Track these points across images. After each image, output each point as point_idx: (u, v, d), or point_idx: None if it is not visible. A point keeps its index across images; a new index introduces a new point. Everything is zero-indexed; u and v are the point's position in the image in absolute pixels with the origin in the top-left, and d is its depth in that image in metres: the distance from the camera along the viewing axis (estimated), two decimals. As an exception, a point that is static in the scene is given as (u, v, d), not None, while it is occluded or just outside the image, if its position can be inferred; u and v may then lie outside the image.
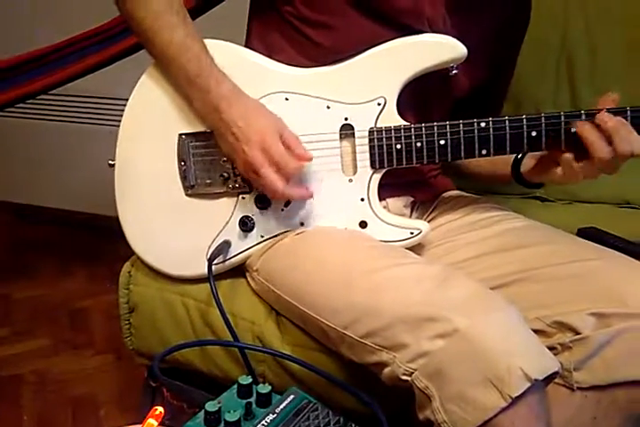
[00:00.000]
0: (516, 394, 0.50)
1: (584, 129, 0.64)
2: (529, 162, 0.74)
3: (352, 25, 0.72)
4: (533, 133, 0.67)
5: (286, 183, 0.67)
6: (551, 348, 0.59)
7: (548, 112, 0.67)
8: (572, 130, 0.65)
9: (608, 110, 0.64)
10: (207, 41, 0.72)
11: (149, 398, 0.87)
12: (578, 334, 0.59)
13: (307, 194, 0.71)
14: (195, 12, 0.94)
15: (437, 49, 0.70)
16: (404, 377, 0.55)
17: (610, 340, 0.57)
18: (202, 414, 0.48)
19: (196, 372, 0.81)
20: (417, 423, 0.57)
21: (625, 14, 1.05)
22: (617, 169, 0.65)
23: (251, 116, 0.67)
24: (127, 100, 0.77)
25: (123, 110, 0.77)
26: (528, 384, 0.50)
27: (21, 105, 1.32)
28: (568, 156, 0.65)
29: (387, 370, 0.58)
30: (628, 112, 0.65)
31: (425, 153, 0.70)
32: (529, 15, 0.82)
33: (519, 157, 0.76)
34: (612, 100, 0.65)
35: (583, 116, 0.65)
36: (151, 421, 0.44)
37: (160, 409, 0.44)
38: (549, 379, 0.54)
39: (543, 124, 0.66)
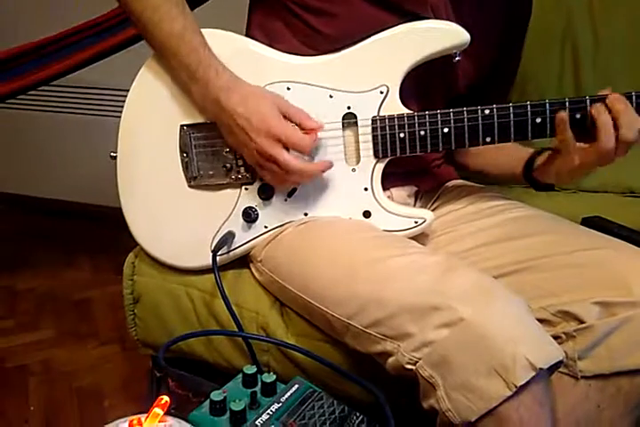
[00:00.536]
0: (521, 383, 0.50)
1: (598, 111, 0.63)
2: (541, 159, 0.74)
3: (354, 12, 0.71)
4: (538, 120, 0.66)
5: (302, 161, 0.67)
6: (555, 337, 0.59)
7: (553, 99, 0.66)
8: (577, 115, 0.65)
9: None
10: (207, 31, 0.71)
11: (155, 387, 0.88)
12: (582, 323, 0.58)
13: (326, 165, 0.69)
14: (194, 2, 0.93)
15: (440, 35, 0.69)
16: (409, 366, 0.56)
17: (614, 329, 0.57)
18: (207, 403, 0.49)
19: (200, 362, 0.82)
20: (421, 412, 0.57)
21: (628, 0, 1.03)
22: (611, 159, 0.64)
23: (250, 101, 0.67)
24: (128, 91, 0.76)
25: (124, 101, 0.77)
26: (533, 373, 0.50)
27: (22, 96, 1.31)
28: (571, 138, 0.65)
29: (391, 359, 0.58)
30: (634, 97, 0.64)
31: (429, 141, 0.69)
32: (531, 3, 0.81)
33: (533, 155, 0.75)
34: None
35: (588, 102, 0.65)
36: (157, 410, 0.44)
37: (166, 398, 0.45)
38: (554, 368, 0.53)
39: (548, 111, 0.66)
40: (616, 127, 0.62)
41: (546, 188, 0.76)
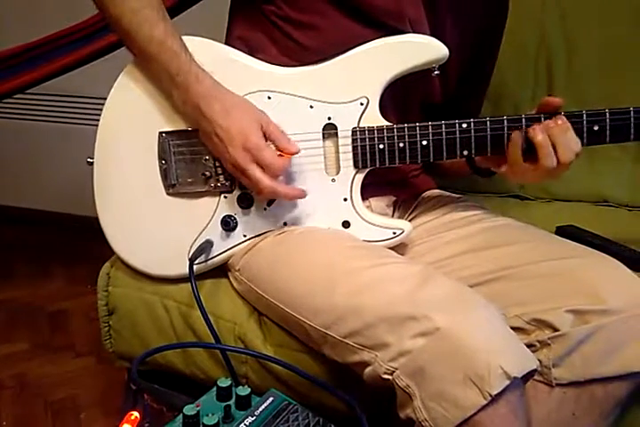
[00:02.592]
0: (496, 392, 0.50)
1: (536, 133, 0.64)
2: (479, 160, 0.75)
3: (334, 25, 0.72)
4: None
5: (274, 181, 0.66)
6: (530, 345, 0.60)
7: (529, 113, 0.68)
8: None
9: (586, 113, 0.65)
10: (188, 38, 0.71)
11: (130, 401, 0.86)
12: (556, 331, 0.59)
13: (297, 193, 0.69)
14: (172, 11, 0.93)
15: (419, 49, 0.70)
16: (386, 376, 0.56)
17: (588, 336, 0.58)
18: (180, 417, 0.48)
19: (177, 373, 0.80)
20: (398, 423, 0.57)
21: (601, 15, 1.07)
22: (555, 177, 0.66)
23: (232, 113, 0.67)
24: (106, 98, 0.76)
25: (101, 109, 0.76)
26: (507, 382, 0.51)
27: (-2, 104, 1.29)
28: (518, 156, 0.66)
29: (368, 370, 0.57)
30: (607, 114, 0.66)
31: (407, 153, 0.70)
32: (506, 16, 0.83)
33: None
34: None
35: (542, 119, 0.66)
36: (126, 426, 0.43)
37: (135, 414, 0.44)
38: (528, 377, 0.54)
39: (524, 126, 0.67)
40: (555, 148, 0.64)
41: (489, 174, 0.76)
